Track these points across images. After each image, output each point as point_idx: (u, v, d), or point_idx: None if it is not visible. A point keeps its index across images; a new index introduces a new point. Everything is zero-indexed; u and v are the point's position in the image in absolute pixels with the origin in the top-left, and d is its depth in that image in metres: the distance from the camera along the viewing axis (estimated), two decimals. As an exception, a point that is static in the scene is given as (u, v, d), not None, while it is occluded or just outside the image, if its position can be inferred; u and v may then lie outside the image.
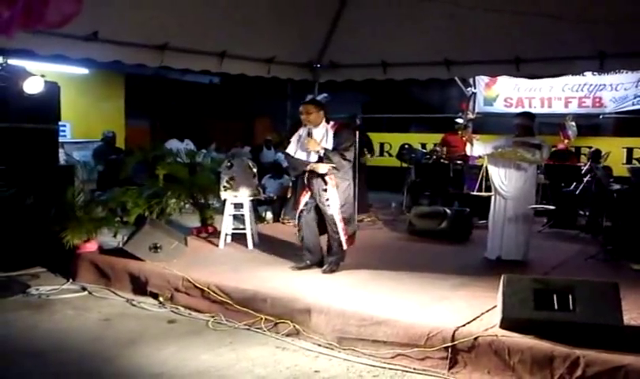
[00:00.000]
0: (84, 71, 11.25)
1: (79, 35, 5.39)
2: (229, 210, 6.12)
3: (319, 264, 5.11)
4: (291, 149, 5.09)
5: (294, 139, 5.11)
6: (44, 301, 4.86)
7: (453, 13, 5.97)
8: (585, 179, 7.47)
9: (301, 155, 5.02)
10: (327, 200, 4.92)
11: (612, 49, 6.06)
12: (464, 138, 6.07)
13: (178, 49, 6.34)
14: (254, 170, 6.24)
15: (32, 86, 5.59)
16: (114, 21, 5.43)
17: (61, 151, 6.63)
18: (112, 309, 4.68)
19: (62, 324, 4.35)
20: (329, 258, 5.05)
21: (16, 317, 4.47)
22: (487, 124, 12.07)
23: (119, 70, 11.60)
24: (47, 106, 5.99)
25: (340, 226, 4.94)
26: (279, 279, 4.73)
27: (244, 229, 6.07)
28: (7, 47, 5.05)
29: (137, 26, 5.69)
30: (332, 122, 5.06)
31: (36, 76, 5.64)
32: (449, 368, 3.50)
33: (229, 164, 6.13)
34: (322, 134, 4.96)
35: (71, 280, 5.35)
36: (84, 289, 5.15)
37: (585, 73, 10.26)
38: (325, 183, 4.91)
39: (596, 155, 8.29)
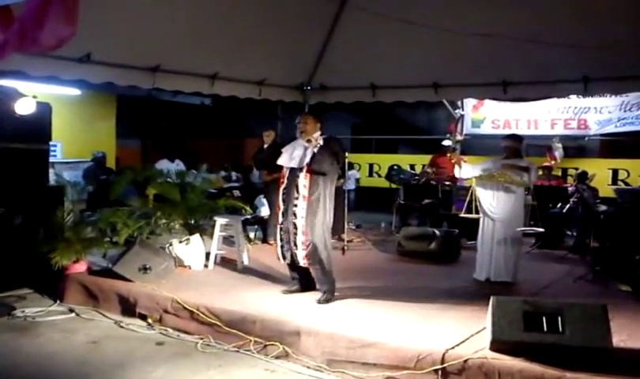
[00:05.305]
0: (76, 92, 11.25)
1: (72, 56, 5.40)
2: (218, 231, 6.11)
3: (308, 287, 4.94)
4: (281, 160, 4.92)
5: (286, 149, 4.95)
6: (30, 323, 4.79)
7: (442, 37, 6.07)
8: (572, 200, 7.57)
9: (293, 164, 4.83)
10: (297, 212, 4.71)
11: (596, 73, 6.19)
12: (452, 160, 6.13)
13: (170, 71, 6.38)
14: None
15: (24, 107, 5.59)
16: (106, 43, 5.46)
17: (51, 171, 6.60)
18: (100, 331, 4.63)
19: (49, 347, 4.29)
20: (322, 287, 4.78)
21: (1, 341, 4.39)
22: (475, 145, 12.20)
23: (111, 91, 11.63)
24: (39, 126, 5.99)
25: (301, 239, 4.69)
26: (268, 301, 4.71)
27: (234, 249, 6.06)
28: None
29: (130, 48, 5.73)
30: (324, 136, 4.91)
31: (28, 97, 5.65)
32: (440, 390, 3.50)
33: None
34: (306, 147, 4.80)
35: (58, 302, 5.29)
36: (71, 311, 5.09)
37: (570, 96, 10.43)
38: (298, 193, 4.73)
39: (582, 177, 8.41)
